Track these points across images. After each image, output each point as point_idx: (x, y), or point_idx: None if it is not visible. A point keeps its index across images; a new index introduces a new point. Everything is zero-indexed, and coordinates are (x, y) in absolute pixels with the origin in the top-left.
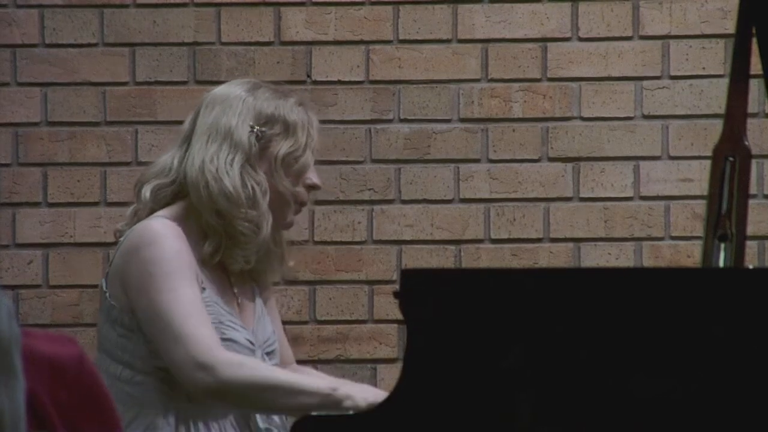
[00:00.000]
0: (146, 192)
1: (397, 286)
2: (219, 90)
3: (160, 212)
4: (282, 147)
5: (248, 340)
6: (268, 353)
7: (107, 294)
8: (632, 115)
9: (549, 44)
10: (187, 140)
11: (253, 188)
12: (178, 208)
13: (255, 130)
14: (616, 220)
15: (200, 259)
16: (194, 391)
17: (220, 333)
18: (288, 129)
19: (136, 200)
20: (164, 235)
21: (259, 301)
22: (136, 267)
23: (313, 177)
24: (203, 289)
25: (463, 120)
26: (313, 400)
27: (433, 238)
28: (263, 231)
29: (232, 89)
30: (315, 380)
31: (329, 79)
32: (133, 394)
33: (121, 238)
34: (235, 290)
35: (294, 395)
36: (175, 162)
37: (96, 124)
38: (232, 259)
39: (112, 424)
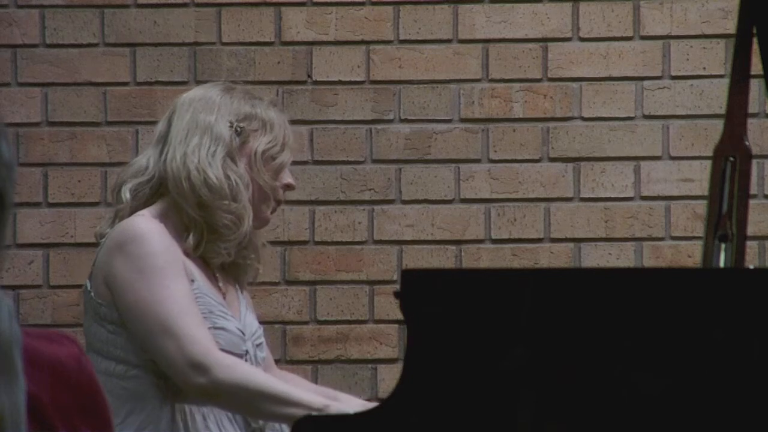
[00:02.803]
0: (125, 193)
1: (397, 287)
2: (192, 92)
3: (141, 211)
4: (261, 143)
5: (239, 329)
6: (257, 345)
7: (92, 293)
8: (633, 116)
9: (549, 44)
10: (163, 140)
11: (236, 181)
12: (159, 206)
13: (234, 125)
14: (617, 221)
15: (185, 253)
16: (186, 390)
17: (211, 322)
18: (266, 126)
19: (115, 202)
20: (150, 230)
21: (241, 297)
22: (122, 263)
23: (288, 177)
24: (192, 280)
25: (463, 120)
26: (303, 413)
27: (433, 239)
28: (245, 223)
29: (207, 91)
30: (308, 394)
31: (330, 79)
32: (128, 389)
33: (102, 240)
34: (220, 284)
35: (285, 406)
36: (151, 161)
37: (96, 124)
38: (214, 253)
39: (107, 423)
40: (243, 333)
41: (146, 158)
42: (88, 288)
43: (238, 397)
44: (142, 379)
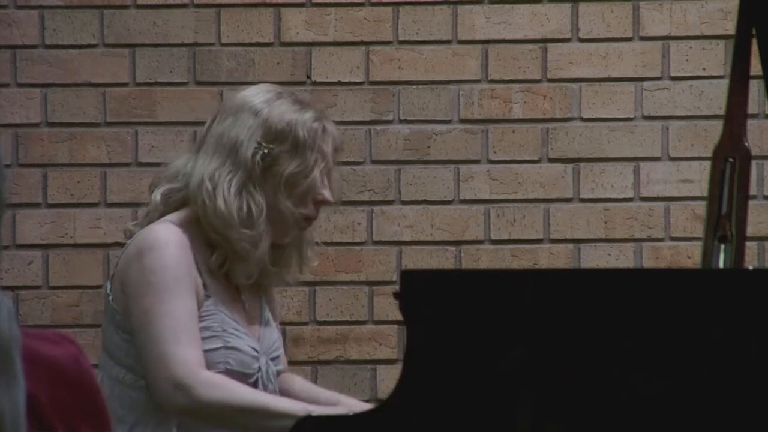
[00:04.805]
0: (157, 195)
1: (397, 287)
2: (241, 96)
3: (169, 216)
4: (288, 166)
5: (252, 347)
6: (272, 359)
7: (110, 297)
8: (632, 116)
9: (549, 45)
10: (200, 145)
11: (249, 209)
12: (187, 213)
13: (262, 147)
14: (617, 221)
15: (207, 266)
16: (168, 409)
17: (223, 341)
18: (297, 147)
19: (150, 201)
20: (167, 242)
21: (265, 306)
22: (136, 272)
23: (325, 193)
24: (208, 296)
25: (463, 121)
26: (288, 422)
27: (433, 239)
28: (259, 250)
29: (251, 98)
30: (290, 403)
31: (329, 80)
32: (135, 399)
33: (129, 240)
34: (243, 296)
35: (269, 418)
36: (188, 167)
37: (96, 125)
38: (234, 273)
39: (106, 423)
40: (257, 350)
41: (185, 163)
42: (108, 291)
43: (219, 415)
44: (149, 390)
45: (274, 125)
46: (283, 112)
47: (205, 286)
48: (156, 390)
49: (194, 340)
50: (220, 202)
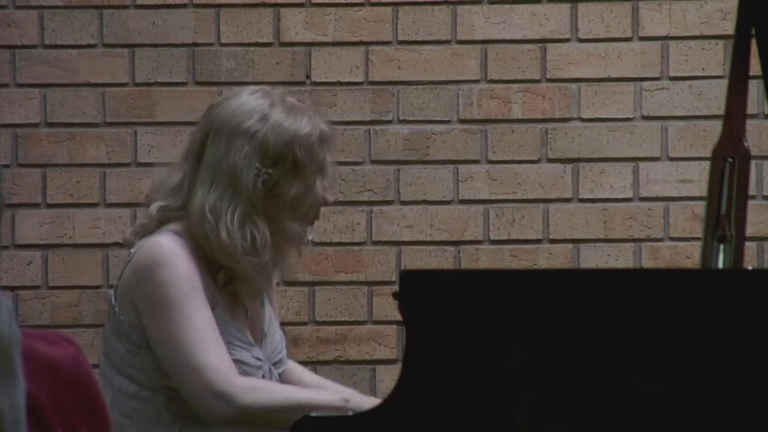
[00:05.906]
0: (153, 209)
1: (396, 287)
2: (232, 109)
3: (169, 226)
4: (291, 190)
5: (256, 357)
6: (275, 363)
7: (116, 308)
8: (632, 116)
9: (548, 45)
10: (197, 160)
11: (253, 239)
12: (186, 224)
13: (261, 173)
14: (616, 221)
15: (210, 277)
16: (213, 420)
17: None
18: (297, 168)
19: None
20: (175, 255)
21: (267, 306)
22: (148, 288)
23: (327, 196)
24: (213, 307)
25: (462, 121)
26: (327, 413)
27: (432, 239)
28: (266, 275)
29: (244, 119)
30: (327, 394)
31: (328, 80)
32: (137, 410)
33: (132, 250)
34: (246, 304)
35: (309, 411)
36: (186, 185)
37: (95, 125)
38: (241, 291)
39: (105, 423)
40: (260, 359)
41: (182, 179)
42: (113, 302)
43: (265, 417)
44: (152, 401)
45: (271, 148)
46: (278, 131)
47: (211, 296)
48: (197, 403)
49: (221, 347)
50: (224, 236)
